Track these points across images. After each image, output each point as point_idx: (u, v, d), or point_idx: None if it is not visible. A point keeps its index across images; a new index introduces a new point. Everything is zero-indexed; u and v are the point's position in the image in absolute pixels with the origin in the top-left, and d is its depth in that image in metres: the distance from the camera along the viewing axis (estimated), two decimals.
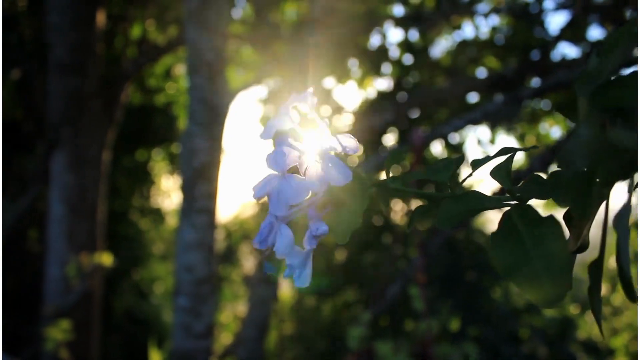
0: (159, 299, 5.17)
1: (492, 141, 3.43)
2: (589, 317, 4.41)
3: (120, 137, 4.52)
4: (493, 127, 2.99)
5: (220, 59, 1.92)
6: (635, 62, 1.96)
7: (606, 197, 0.34)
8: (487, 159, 0.41)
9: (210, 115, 1.92)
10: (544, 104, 3.62)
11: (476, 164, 0.41)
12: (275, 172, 0.39)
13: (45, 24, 3.06)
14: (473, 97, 3.44)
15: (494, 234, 0.34)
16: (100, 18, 3.18)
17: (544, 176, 0.37)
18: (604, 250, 0.35)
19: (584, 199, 0.31)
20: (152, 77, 4.71)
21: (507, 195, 0.37)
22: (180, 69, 4.92)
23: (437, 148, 4.02)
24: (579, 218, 0.34)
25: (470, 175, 0.40)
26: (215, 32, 1.90)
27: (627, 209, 0.32)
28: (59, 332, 2.48)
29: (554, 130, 3.99)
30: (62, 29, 2.94)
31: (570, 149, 0.30)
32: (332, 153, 0.38)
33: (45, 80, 3.14)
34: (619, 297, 4.45)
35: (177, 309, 2.01)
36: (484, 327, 2.78)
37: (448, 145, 3.78)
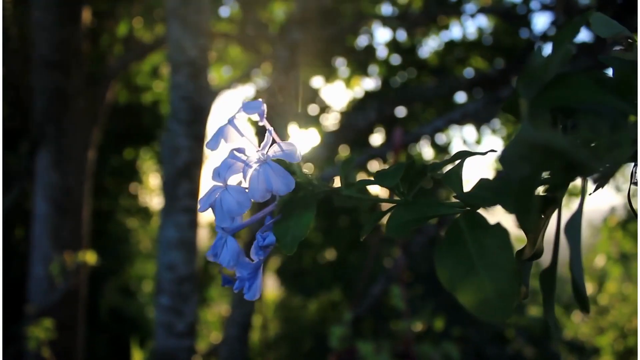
0: (146, 298, 5.15)
1: (478, 141, 3.44)
2: (575, 317, 4.44)
3: (108, 136, 4.50)
4: (478, 128, 3.00)
5: (203, 57, 1.91)
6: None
7: (558, 202, 0.32)
8: (442, 163, 0.40)
9: (192, 114, 1.92)
10: None
11: (433, 169, 0.39)
12: (219, 184, 0.39)
13: (30, 21, 3.04)
14: (461, 97, 3.45)
15: (439, 242, 0.32)
16: (86, 15, 3.15)
17: (494, 181, 0.35)
18: (556, 258, 0.33)
19: (526, 206, 0.28)
20: (139, 75, 4.68)
21: (459, 202, 0.35)
22: (167, 68, 4.89)
23: (425, 149, 4.03)
24: (522, 227, 0.32)
25: (423, 180, 0.39)
26: (197, 29, 1.89)
27: (577, 215, 0.30)
28: (41, 331, 2.46)
29: None
30: (47, 26, 2.92)
31: (510, 152, 0.28)
32: (274, 161, 0.38)
33: (29, 77, 3.12)
34: (605, 297, 4.48)
35: (158, 308, 2.00)
36: (468, 327, 2.80)
37: (434, 146, 3.79)
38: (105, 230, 4.80)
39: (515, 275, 0.29)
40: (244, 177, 0.38)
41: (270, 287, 4.80)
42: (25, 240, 4.24)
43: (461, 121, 1.98)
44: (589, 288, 4.42)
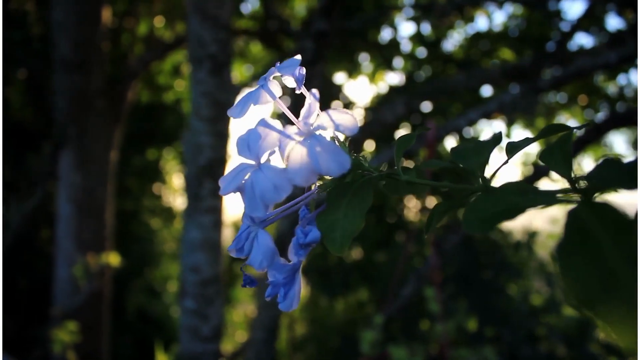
0: (170, 298, 5.13)
1: (508, 135, 3.33)
2: None
3: (130, 136, 4.49)
4: (510, 121, 2.89)
5: (224, 52, 1.85)
6: None
7: None
8: (528, 140, 0.31)
9: (214, 110, 1.86)
10: (560, 97, 3.52)
11: (513, 149, 0.31)
12: (249, 161, 0.30)
13: (51, 22, 3.02)
14: (486, 91, 3.35)
15: (561, 245, 0.23)
16: (106, 15, 3.12)
17: (622, 161, 0.26)
18: None
19: None
20: (160, 74, 4.66)
21: (567, 187, 0.27)
22: (189, 65, 4.87)
23: (451, 143, 3.93)
24: None
25: (506, 162, 0.31)
26: (218, 24, 1.83)
27: None
28: (65, 334, 2.44)
29: (570, 123, 3.88)
30: (67, 26, 2.89)
31: None
32: (323, 134, 0.29)
33: (51, 79, 3.10)
34: None
35: (183, 312, 1.95)
36: (501, 328, 2.70)
37: (462, 140, 3.69)
38: (129, 231, 4.80)
39: None
40: (281, 154, 0.29)
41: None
42: (51, 241, 4.26)
43: (497, 112, 1.88)
44: None
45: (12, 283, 4.21)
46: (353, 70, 3.89)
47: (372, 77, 3.96)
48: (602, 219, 0.23)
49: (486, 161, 0.29)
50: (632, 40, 1.81)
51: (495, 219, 0.26)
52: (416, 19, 3.37)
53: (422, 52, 3.61)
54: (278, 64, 0.32)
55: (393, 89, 3.58)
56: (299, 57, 0.31)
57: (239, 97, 0.32)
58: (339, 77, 3.94)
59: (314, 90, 0.30)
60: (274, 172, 0.28)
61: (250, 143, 0.29)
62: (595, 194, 0.25)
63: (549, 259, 3.53)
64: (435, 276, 1.68)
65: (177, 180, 5.80)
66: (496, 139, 0.30)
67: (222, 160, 1.94)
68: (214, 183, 1.90)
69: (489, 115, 2.02)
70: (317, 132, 0.28)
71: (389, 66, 3.74)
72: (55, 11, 2.92)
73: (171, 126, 5.03)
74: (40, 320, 3.71)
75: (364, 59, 3.90)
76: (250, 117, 0.31)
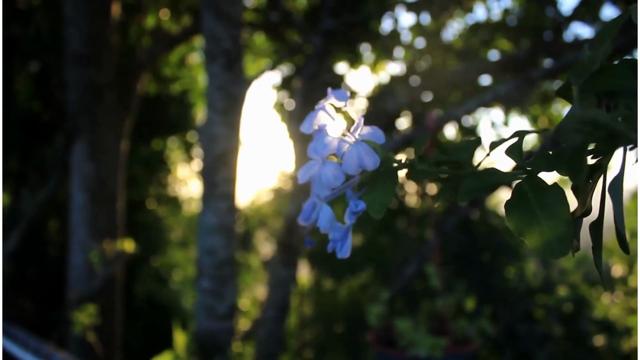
0: (178, 285, 5.27)
1: (506, 123, 3.44)
2: (605, 298, 4.43)
3: (137, 127, 4.59)
4: (506, 110, 3.00)
5: (236, 47, 1.96)
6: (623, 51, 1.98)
7: (604, 168, 0.41)
8: (502, 140, 0.46)
9: (228, 103, 1.97)
10: (556, 85, 3.62)
11: (493, 145, 0.46)
12: (316, 159, 0.45)
13: (61, 17, 3.12)
14: (486, 80, 3.45)
15: (508, 201, 0.40)
16: (115, 9, 3.22)
17: (550, 152, 0.42)
18: (602, 212, 0.41)
19: (579, 168, 0.36)
20: (167, 66, 4.76)
21: (520, 170, 0.42)
22: (195, 58, 4.96)
23: (450, 131, 4.04)
24: (578, 185, 0.41)
25: (487, 155, 0.46)
26: (231, 20, 1.94)
27: (619, 177, 0.39)
28: (86, 316, 2.55)
29: (565, 111, 3.99)
30: (77, 20, 2.99)
31: (565, 126, 0.37)
32: (363, 141, 0.44)
33: (62, 72, 3.20)
34: (634, 279, 4.46)
35: (199, 291, 2.08)
36: (499, 306, 2.83)
37: (462, 128, 3.80)
38: (136, 219, 4.91)
39: (570, 224, 0.37)
40: (338, 154, 0.44)
41: (304, 271, 4.88)
42: (60, 231, 4.38)
43: (493, 103, 1.99)
44: (619, 270, 4.41)
45: (25, 271, 4.34)
46: (355, 60, 3.98)
47: (374, 67, 4.06)
48: (531, 185, 0.40)
49: (472, 155, 0.45)
50: (621, 32, 1.91)
51: (477, 190, 0.42)
52: (416, 10, 3.45)
53: (421, 42, 3.70)
54: (330, 91, 0.47)
55: (394, 79, 3.68)
56: (347, 93, 0.46)
57: (308, 117, 0.48)
58: (341, 67, 4.04)
59: (360, 115, 0.46)
60: (334, 166, 0.44)
61: (318, 148, 0.45)
62: (535, 173, 0.41)
63: None
64: (436, 256, 1.81)
65: (182, 169, 5.91)
66: (478, 140, 0.46)
67: (234, 150, 2.06)
68: (227, 171, 2.02)
69: (486, 105, 2.14)
70: (361, 140, 0.44)
71: (389, 56, 3.83)
72: (67, 6, 3.02)
73: (176, 117, 5.13)
74: (55, 306, 3.84)
75: (366, 49, 3.99)
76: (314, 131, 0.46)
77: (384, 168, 0.45)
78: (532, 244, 0.38)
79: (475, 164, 0.45)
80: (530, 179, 0.41)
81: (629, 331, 4.12)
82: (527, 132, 0.45)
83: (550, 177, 0.42)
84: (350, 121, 0.45)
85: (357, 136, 0.44)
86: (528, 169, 0.42)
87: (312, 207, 0.47)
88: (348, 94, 0.47)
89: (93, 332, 2.57)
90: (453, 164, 0.47)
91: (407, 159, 0.48)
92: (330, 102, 0.47)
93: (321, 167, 0.44)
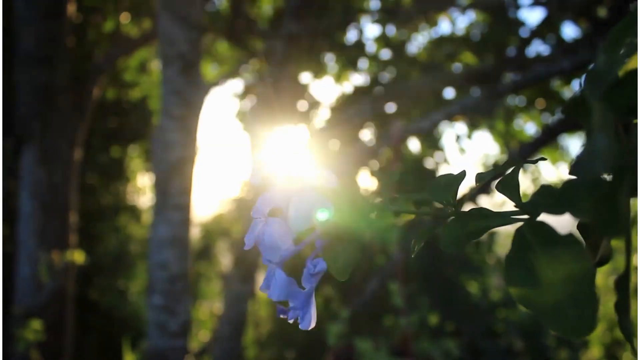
0: (136, 297, 5.09)
1: (469, 137, 3.44)
2: None
3: (95, 133, 4.44)
4: (472, 123, 2.99)
5: (194, 51, 1.88)
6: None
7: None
8: (492, 172, 0.38)
9: (184, 109, 1.88)
10: (519, 100, 3.65)
11: (481, 178, 0.38)
12: (259, 218, 0.39)
13: (12, 15, 2.98)
14: (449, 93, 3.45)
15: (508, 256, 0.30)
16: (71, 9, 3.09)
17: (555, 187, 0.33)
18: (629, 263, 0.30)
19: (610, 211, 0.26)
20: (127, 71, 4.62)
21: (518, 211, 0.33)
22: (155, 63, 4.84)
23: (413, 143, 4.03)
24: (606, 234, 0.31)
25: (474, 190, 0.38)
26: (189, 23, 1.86)
27: None
28: (30, 332, 2.42)
29: (528, 126, 4.03)
30: (30, 19, 2.86)
31: (587, 157, 0.27)
32: (311, 188, 0.37)
33: (12, 73, 3.06)
34: None
35: (151, 308, 1.97)
36: (461, 322, 2.79)
37: (425, 141, 3.79)
38: (93, 229, 4.74)
39: (594, 293, 0.27)
40: (284, 208, 0.38)
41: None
42: (10, 239, 4.18)
43: (460, 115, 1.96)
44: None
45: None
46: (319, 70, 3.94)
47: (338, 78, 4.02)
48: (537, 234, 0.30)
49: (455, 193, 0.37)
50: (584, 49, 1.91)
51: (466, 239, 0.34)
52: (382, 22, 3.44)
53: (386, 53, 3.68)
54: (281, 131, 0.40)
55: (358, 90, 3.65)
56: (302, 129, 0.39)
57: (254, 166, 0.40)
58: (305, 77, 3.99)
59: (306, 155, 0.39)
60: (278, 224, 0.37)
61: (258, 206, 0.38)
62: (537, 215, 0.32)
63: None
64: (399, 273, 1.75)
65: (141, 178, 5.75)
66: (462, 176, 0.38)
67: (190, 158, 1.97)
68: (182, 180, 1.93)
69: (452, 117, 2.11)
70: (308, 187, 0.37)
71: (354, 67, 3.81)
72: (18, 4, 2.88)
73: (136, 124, 4.99)
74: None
75: (330, 59, 3.95)
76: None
77: (345, 215, 0.38)
78: (544, 319, 0.27)
79: (458, 203, 0.37)
80: (534, 224, 0.31)
81: (586, 343, 4.17)
82: (524, 162, 0.37)
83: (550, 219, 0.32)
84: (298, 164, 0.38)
85: (303, 183, 0.37)
86: (528, 209, 0.33)
87: (270, 274, 0.39)
88: (305, 133, 0.40)
89: (38, 350, 2.44)
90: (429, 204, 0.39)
91: (374, 198, 0.40)
92: (282, 142, 0.40)
93: (264, 227, 0.38)
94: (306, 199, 0.36)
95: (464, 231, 0.34)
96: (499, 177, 0.37)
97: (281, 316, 0.41)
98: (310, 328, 0.40)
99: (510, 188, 0.35)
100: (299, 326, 0.40)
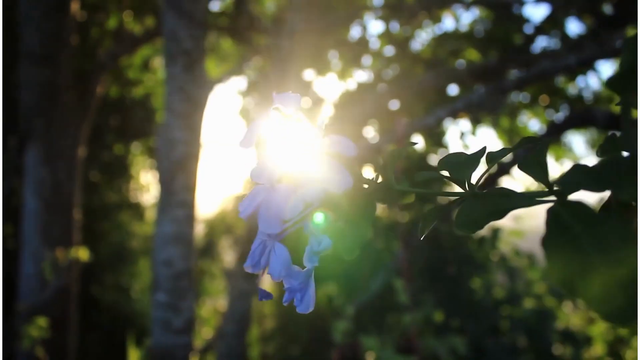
0: (139, 295, 5.10)
1: (474, 133, 3.43)
2: (567, 307, 4.47)
3: (98, 131, 4.44)
4: (476, 120, 2.98)
5: (198, 48, 1.87)
6: None
7: None
8: (505, 151, 0.36)
9: (188, 106, 1.88)
10: (523, 96, 3.64)
11: (493, 159, 0.36)
12: (263, 184, 0.34)
13: (17, 13, 2.97)
14: (452, 90, 3.44)
15: (546, 238, 0.28)
16: (74, 7, 3.09)
17: (590, 166, 0.30)
18: None
19: None
20: (130, 68, 4.62)
21: (546, 192, 0.31)
22: (159, 61, 4.83)
23: (417, 140, 4.01)
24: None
25: (486, 171, 0.36)
26: (193, 20, 1.85)
27: None
28: (35, 329, 2.42)
29: (532, 123, 4.02)
30: (34, 17, 2.86)
31: (631, 133, 0.26)
32: (328, 154, 0.33)
33: (16, 71, 3.05)
34: None
35: (155, 305, 1.97)
36: (465, 319, 2.79)
37: (428, 137, 3.77)
38: (96, 226, 4.74)
39: (637, 277, 0.26)
40: (294, 173, 0.33)
41: (266, 283, 4.78)
42: (14, 237, 4.18)
43: (465, 111, 1.95)
44: None
45: None
46: (322, 67, 3.93)
47: (341, 75, 4.01)
48: (575, 214, 0.28)
49: (473, 171, 0.34)
50: (590, 45, 1.90)
51: (485, 219, 0.31)
52: (385, 18, 3.43)
53: (390, 50, 3.67)
54: (275, 95, 0.36)
55: (362, 87, 3.64)
56: (297, 96, 0.36)
57: (249, 128, 0.36)
58: (308, 74, 3.97)
59: (322, 121, 0.35)
60: (287, 190, 0.33)
61: (263, 168, 0.33)
62: (568, 195, 0.30)
63: (511, 254, 3.65)
64: (404, 269, 1.75)
65: (144, 176, 5.75)
66: (482, 152, 0.35)
67: (195, 155, 1.96)
68: (187, 178, 1.93)
69: (455, 114, 2.10)
70: (325, 153, 0.33)
71: (357, 64, 3.80)
72: (22, 2, 2.88)
73: (139, 121, 4.99)
74: (4, 317, 3.65)
75: (333, 56, 3.94)
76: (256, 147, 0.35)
77: (356, 191, 0.35)
78: (589, 304, 0.26)
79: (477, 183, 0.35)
80: (570, 204, 0.29)
81: (589, 340, 4.16)
82: (543, 140, 0.35)
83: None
84: (307, 130, 0.34)
85: (318, 148, 0.33)
86: (556, 189, 0.30)
87: (262, 249, 0.35)
88: (298, 97, 0.36)
89: (42, 347, 2.44)
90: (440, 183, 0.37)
91: (379, 176, 0.36)
92: (278, 108, 0.35)
93: (269, 194, 0.33)
94: (322, 166, 0.32)
95: (483, 211, 0.31)
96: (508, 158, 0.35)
97: (263, 300, 0.38)
98: (308, 311, 0.36)
99: (535, 167, 0.32)
100: (297, 309, 0.36)
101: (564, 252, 0.27)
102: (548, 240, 0.28)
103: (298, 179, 0.33)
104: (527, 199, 0.31)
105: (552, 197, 0.31)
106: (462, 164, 0.35)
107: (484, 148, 0.36)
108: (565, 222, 0.28)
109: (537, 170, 0.32)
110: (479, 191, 0.34)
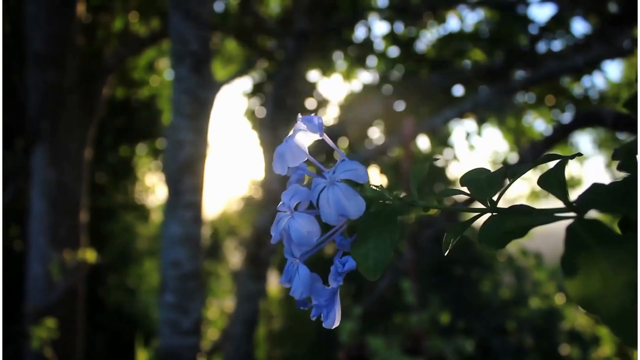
0: (146, 296, 5.10)
1: (479, 133, 3.43)
2: (574, 307, 4.45)
3: (104, 132, 4.45)
4: (481, 120, 2.98)
5: (205, 49, 1.87)
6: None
7: None
8: (527, 167, 0.36)
9: (195, 108, 1.88)
10: (529, 97, 3.63)
11: (515, 174, 0.36)
12: (284, 211, 0.37)
13: (23, 15, 2.99)
14: (458, 91, 3.43)
15: (565, 256, 0.28)
16: (80, 9, 3.10)
17: (609, 185, 0.31)
18: None
19: None
20: (135, 70, 4.63)
21: (564, 209, 0.32)
22: (164, 62, 4.85)
23: (422, 141, 4.01)
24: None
25: (508, 186, 0.36)
26: (199, 21, 1.86)
27: None
28: (44, 330, 2.43)
29: (537, 123, 4.01)
30: (39, 19, 2.87)
31: None
32: (342, 182, 0.35)
33: (23, 73, 3.07)
34: None
35: (163, 306, 1.97)
36: (473, 320, 2.78)
37: (434, 138, 3.77)
38: (103, 228, 4.75)
39: None
40: (313, 201, 0.36)
41: (273, 283, 4.78)
42: (21, 238, 4.19)
43: (473, 111, 1.95)
44: None
45: None
46: (327, 68, 3.93)
47: (347, 75, 4.01)
48: (594, 234, 0.28)
49: (497, 192, 0.35)
50: (597, 45, 1.90)
51: (508, 237, 0.32)
52: (390, 19, 3.43)
53: (395, 51, 3.67)
54: (300, 117, 0.38)
55: (367, 88, 3.64)
56: (318, 117, 0.38)
57: (278, 153, 0.38)
58: (313, 75, 3.98)
59: (335, 146, 0.37)
60: (305, 219, 0.35)
61: (285, 198, 0.37)
62: (586, 213, 0.31)
63: (518, 254, 3.64)
64: (411, 270, 1.75)
65: (149, 177, 5.76)
66: (505, 171, 0.36)
67: (202, 156, 1.96)
68: (194, 179, 1.93)
69: (463, 114, 2.09)
70: (339, 180, 0.35)
71: (362, 65, 3.79)
72: (28, 4, 2.89)
73: (145, 122, 5.00)
74: (10, 318, 3.66)
75: (338, 57, 3.94)
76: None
77: (374, 209, 0.36)
78: (608, 323, 0.26)
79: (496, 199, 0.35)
80: (587, 223, 0.29)
81: (597, 340, 4.14)
82: (565, 158, 0.35)
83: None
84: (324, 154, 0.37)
85: (333, 175, 0.35)
86: (575, 206, 0.31)
87: (291, 268, 0.38)
88: (321, 119, 0.38)
89: (51, 348, 2.45)
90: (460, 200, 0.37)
91: (400, 195, 0.37)
92: (302, 131, 0.38)
93: (289, 221, 0.36)
94: (336, 192, 0.34)
95: (505, 228, 0.32)
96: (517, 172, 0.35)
97: (301, 308, 0.40)
98: (334, 327, 0.39)
99: (555, 184, 0.33)
100: (323, 324, 0.39)
101: (583, 272, 0.27)
102: (567, 259, 0.28)
103: (319, 203, 0.35)
104: (546, 217, 0.32)
105: (571, 214, 0.31)
106: (484, 181, 0.35)
107: (506, 166, 0.36)
108: (584, 241, 0.28)
109: (556, 187, 0.33)
110: (500, 208, 0.34)
